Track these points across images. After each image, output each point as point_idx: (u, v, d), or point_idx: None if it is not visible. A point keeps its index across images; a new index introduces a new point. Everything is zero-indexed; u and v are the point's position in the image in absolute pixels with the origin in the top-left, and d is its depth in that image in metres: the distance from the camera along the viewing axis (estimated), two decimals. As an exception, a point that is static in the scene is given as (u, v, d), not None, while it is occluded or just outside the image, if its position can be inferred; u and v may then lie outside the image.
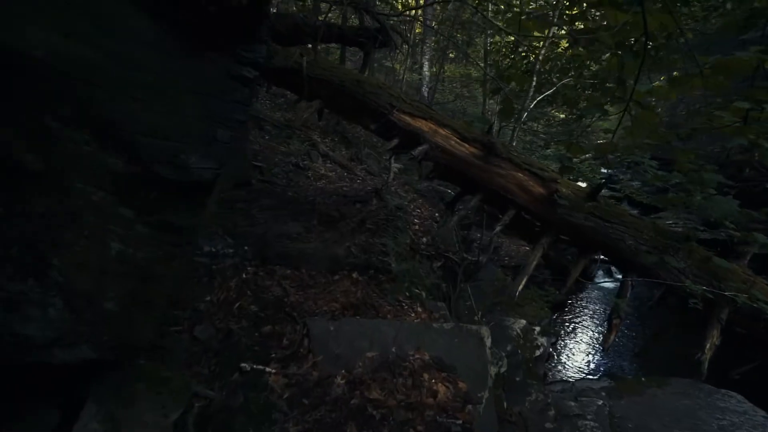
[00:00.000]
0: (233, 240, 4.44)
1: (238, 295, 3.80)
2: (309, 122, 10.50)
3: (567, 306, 9.42)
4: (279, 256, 4.37)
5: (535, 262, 4.13)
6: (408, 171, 10.15)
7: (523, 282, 4.11)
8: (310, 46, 5.44)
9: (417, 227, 6.21)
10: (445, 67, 12.63)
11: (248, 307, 3.64)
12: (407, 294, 4.07)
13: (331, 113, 12.00)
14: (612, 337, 3.99)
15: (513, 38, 6.90)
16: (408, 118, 4.48)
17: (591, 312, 9.31)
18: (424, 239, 5.86)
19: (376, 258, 4.38)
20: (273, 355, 3.07)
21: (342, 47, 9.29)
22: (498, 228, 4.22)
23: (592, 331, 8.62)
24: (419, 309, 3.90)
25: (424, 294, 4.23)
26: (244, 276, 4.11)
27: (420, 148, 4.27)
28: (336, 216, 5.26)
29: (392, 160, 7.02)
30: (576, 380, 7.16)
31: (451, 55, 13.37)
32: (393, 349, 3.11)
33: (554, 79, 6.13)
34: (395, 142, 4.47)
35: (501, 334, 6.08)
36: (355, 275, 4.19)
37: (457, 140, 4.41)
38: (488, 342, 3.31)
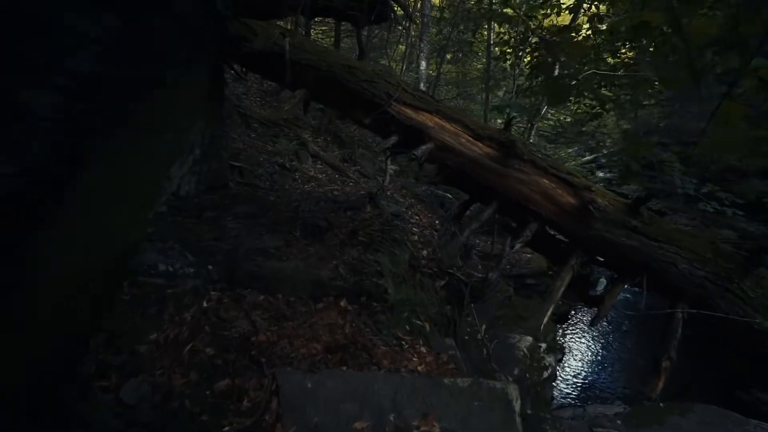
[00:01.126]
0: (195, 257, 3.53)
1: (193, 332, 2.90)
2: (300, 120, 9.60)
3: (571, 316, 8.61)
4: (250, 277, 3.47)
5: (562, 288, 3.26)
6: (405, 173, 9.25)
7: (549, 313, 3.26)
8: (291, 27, 4.59)
9: (416, 238, 5.33)
10: (443, 67, 11.76)
11: (203, 350, 2.74)
12: (407, 328, 3.20)
13: (319, 106, 11.10)
14: (660, 384, 3.14)
15: (522, 28, 6.03)
16: (409, 111, 3.59)
17: (601, 329, 8.50)
18: (425, 252, 4.97)
19: (369, 280, 3.50)
20: (226, 430, 2.17)
21: (336, 29, 8.35)
22: (518, 245, 3.36)
23: (599, 344, 7.82)
24: (423, 349, 3.03)
25: (427, 326, 3.35)
26: (204, 304, 3.20)
27: (423, 147, 3.39)
28: (323, 226, 4.36)
29: (389, 161, 6.12)
30: (587, 405, 6.36)
31: (449, 56, 12.53)
32: (391, 417, 2.23)
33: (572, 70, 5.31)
34: (393, 139, 3.58)
35: (507, 354, 5.24)
36: (343, 303, 3.30)
37: (469, 138, 3.54)
38: (517, 406, 2.43)
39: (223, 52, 4.24)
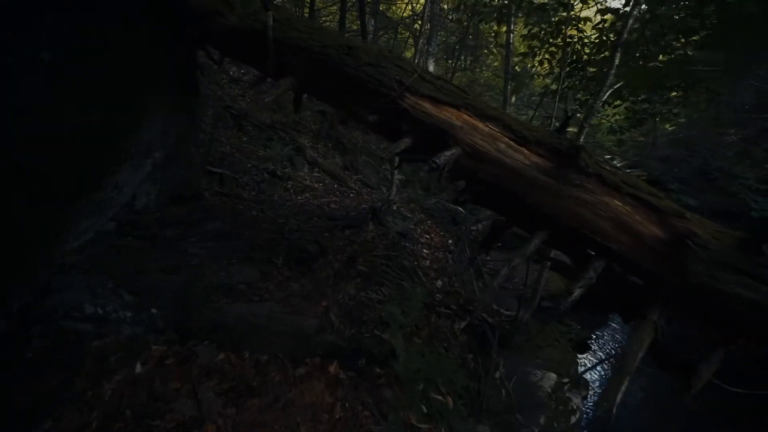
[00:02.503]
0: (134, 296, 2.52)
1: (105, 422, 1.88)
2: (299, 124, 8.62)
3: (591, 344, 7.58)
4: (208, 326, 2.45)
5: (641, 353, 2.23)
6: (411, 183, 8.24)
7: (623, 387, 2.24)
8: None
9: (428, 263, 4.31)
10: (455, 71, 10.80)
11: (111, 460, 1.72)
12: (423, 409, 2.16)
13: (320, 107, 10.12)
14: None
15: (555, 19, 5.04)
16: (428, 106, 2.60)
17: (618, 350, 7.50)
18: (439, 283, 3.94)
19: (369, 333, 2.48)
20: None
21: (341, 8, 7.32)
22: (577, 291, 2.33)
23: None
24: (448, 450, 1.99)
25: (450, 402, 2.32)
26: (138, 368, 2.19)
27: (447, 153, 2.39)
28: (313, 251, 3.35)
29: (396, 170, 5.11)
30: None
31: (460, 60, 11.57)
32: None
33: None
34: (406, 142, 2.58)
35: (529, 396, 4.25)
36: (333, 368, 2.28)
37: (510, 143, 2.52)
38: None
39: (190, 29, 3.26)
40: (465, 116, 2.67)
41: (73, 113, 2.56)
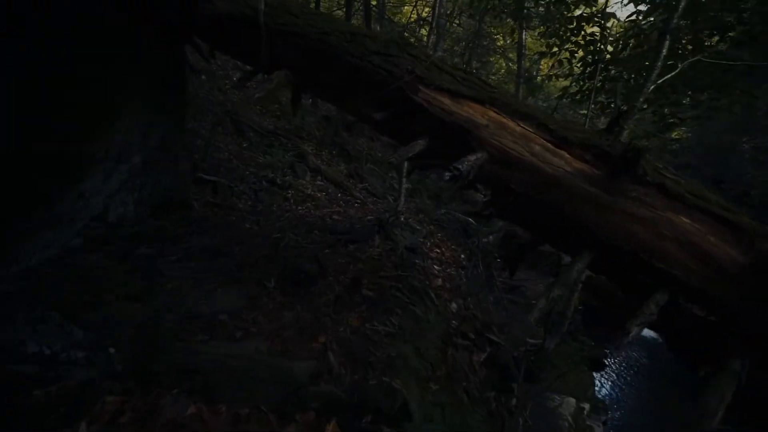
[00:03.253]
0: (88, 331, 2.02)
1: None
2: (303, 130, 8.17)
3: (607, 361, 7.01)
4: (178, 370, 1.94)
5: (721, 411, 1.70)
6: (418, 191, 7.74)
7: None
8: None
9: (440, 282, 3.79)
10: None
11: None
12: (446, 486, 1.64)
13: (324, 112, 9.67)
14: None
15: (575, 14, 4.55)
16: (446, 101, 2.12)
17: (637, 369, 6.92)
18: (454, 306, 3.43)
19: (376, 379, 1.97)
20: None
21: (347, 13, 6.88)
22: (635, 330, 1.82)
23: (644, 396, 6.27)
24: None
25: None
26: (81, 429, 1.69)
27: (471, 157, 1.90)
28: (312, 271, 2.84)
29: (404, 178, 4.62)
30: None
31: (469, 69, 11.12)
32: None
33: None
34: (420, 144, 2.10)
35: (548, 425, 3.73)
36: (330, 428, 1.76)
37: (547, 144, 2.04)
38: None
39: (174, 17, 2.79)
40: (491, 113, 2.18)
41: (26, 109, 2.09)
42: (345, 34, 2.37)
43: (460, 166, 1.96)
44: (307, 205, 4.77)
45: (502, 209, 2.28)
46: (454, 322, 3.10)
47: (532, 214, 2.18)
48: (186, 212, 3.52)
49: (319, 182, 5.75)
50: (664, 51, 3.15)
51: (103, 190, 2.75)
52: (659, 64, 3.15)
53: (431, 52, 10.16)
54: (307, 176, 5.76)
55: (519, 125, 2.12)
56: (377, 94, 2.30)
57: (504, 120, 2.14)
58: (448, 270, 4.32)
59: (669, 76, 3.27)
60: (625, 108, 2.63)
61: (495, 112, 2.16)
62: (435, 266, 4.22)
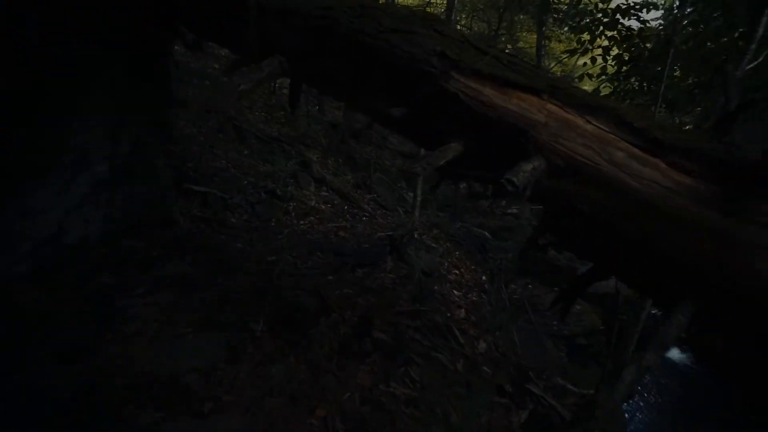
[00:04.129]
0: (-1, 407, 1.44)
1: None
2: (308, 137, 7.63)
3: (636, 391, 6.30)
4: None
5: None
6: (428, 202, 7.13)
7: None
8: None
9: (463, 314, 3.17)
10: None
11: None
12: None
13: (330, 116, 9.14)
14: None
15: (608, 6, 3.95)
16: (489, 91, 1.52)
17: (668, 397, 6.22)
18: (482, 345, 2.81)
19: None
20: None
21: None
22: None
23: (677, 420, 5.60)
24: None
25: None
26: None
27: (527, 166, 1.25)
28: (311, 307, 2.25)
29: (419, 189, 4.02)
30: None
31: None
32: None
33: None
34: (454, 149, 1.46)
35: None
36: None
37: (633, 150, 1.42)
38: None
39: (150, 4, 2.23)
40: (552, 107, 1.58)
41: None
42: (353, 9, 1.80)
43: (514, 178, 1.37)
44: (309, 219, 4.19)
45: (565, 239, 1.67)
46: (485, 368, 2.48)
47: (610, 247, 1.57)
48: (167, 230, 2.94)
49: (323, 193, 5.18)
50: (761, 30, 2.50)
51: (56, 206, 2.19)
52: (752, 47, 2.52)
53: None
54: (311, 186, 5.19)
55: (591, 123, 1.53)
56: (395, 84, 1.72)
57: (569, 116, 1.55)
58: (470, 295, 3.71)
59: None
60: (743, 102, 2.00)
61: (557, 105, 1.57)
62: (455, 291, 3.61)
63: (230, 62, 2.32)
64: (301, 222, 4.07)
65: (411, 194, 7.30)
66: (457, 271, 4.05)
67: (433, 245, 4.19)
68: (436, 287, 3.20)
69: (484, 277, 4.19)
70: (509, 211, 8.68)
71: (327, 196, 5.09)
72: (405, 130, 1.88)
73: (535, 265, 6.73)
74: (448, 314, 2.97)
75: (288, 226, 3.84)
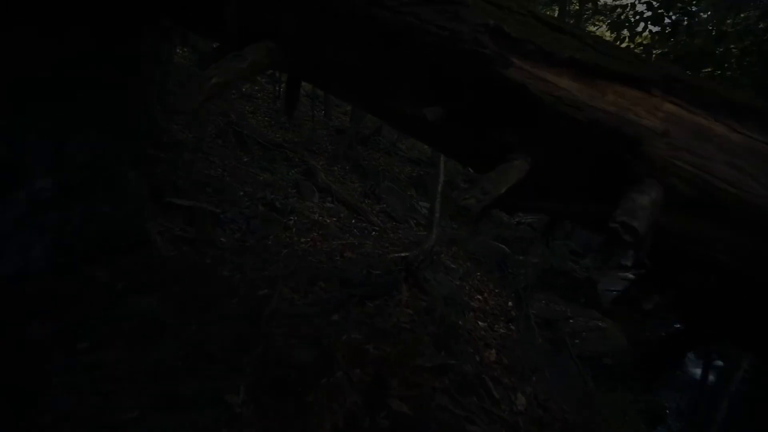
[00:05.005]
0: None
1: None
2: (314, 144, 7.12)
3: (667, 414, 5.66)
4: None
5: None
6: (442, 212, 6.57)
7: None
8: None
9: (493, 354, 2.60)
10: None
11: None
12: None
13: (337, 120, 8.62)
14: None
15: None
16: (568, 83, 0.90)
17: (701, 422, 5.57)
18: (521, 400, 2.24)
19: None
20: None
21: None
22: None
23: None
24: None
25: None
26: None
27: (641, 199, 0.64)
28: (310, 363, 1.69)
29: (438, 203, 3.46)
30: None
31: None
32: None
33: None
34: (519, 167, 0.87)
35: None
36: None
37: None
38: None
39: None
40: (669, 107, 1.02)
41: None
42: (369, -30, 1.25)
43: (634, 223, 0.81)
44: (312, 236, 3.64)
45: (690, 299, 1.10)
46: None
47: (756, 313, 1.00)
48: (140, 255, 2.41)
49: (328, 204, 4.63)
50: None
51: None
52: None
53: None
54: (314, 197, 4.65)
55: (736, 131, 0.97)
56: (429, 75, 1.17)
57: (700, 120, 0.99)
58: (497, 326, 3.13)
59: None
60: None
61: (677, 104, 1.01)
62: (479, 322, 3.04)
63: (209, 52, 1.79)
64: (303, 239, 3.52)
65: (423, 204, 6.75)
66: (480, 296, 3.48)
67: (452, 265, 3.62)
68: (460, 321, 2.64)
69: (510, 304, 3.61)
70: (524, 220, 8.13)
71: (332, 208, 4.55)
72: (443, 140, 1.32)
73: (552, 278, 6.16)
74: (477, 358, 2.41)
75: (287, 244, 3.29)
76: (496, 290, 3.76)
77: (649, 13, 3.53)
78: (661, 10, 3.51)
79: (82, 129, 1.94)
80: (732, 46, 3.45)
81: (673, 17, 3.48)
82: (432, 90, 1.21)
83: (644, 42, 3.77)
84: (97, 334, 1.70)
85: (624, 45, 3.67)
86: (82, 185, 2.04)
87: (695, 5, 3.52)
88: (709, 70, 3.55)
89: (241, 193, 4.01)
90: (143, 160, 3.06)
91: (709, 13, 3.55)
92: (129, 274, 2.21)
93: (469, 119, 1.15)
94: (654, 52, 3.61)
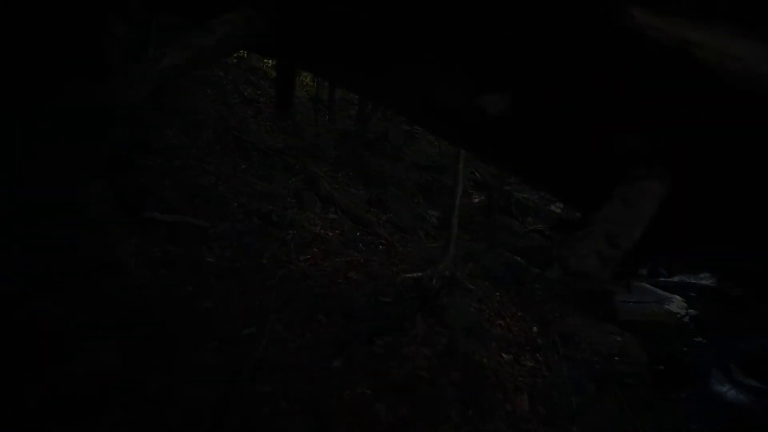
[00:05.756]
0: None
1: None
2: (318, 149, 6.70)
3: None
4: None
5: None
6: (443, 219, 6.13)
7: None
8: None
9: (526, 398, 2.14)
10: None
11: None
12: None
13: (341, 124, 8.25)
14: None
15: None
16: (731, 46, 0.43)
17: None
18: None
19: None
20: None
21: None
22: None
23: None
24: None
25: None
26: None
27: None
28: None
29: (455, 218, 3.02)
30: None
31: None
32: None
33: None
34: (651, 193, 0.41)
35: None
36: None
37: None
38: None
39: None
40: None
41: None
42: None
43: None
44: (312, 252, 3.21)
45: None
46: None
47: None
48: (107, 283, 1.98)
49: (331, 215, 4.20)
50: None
51: None
52: None
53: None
54: (316, 207, 4.22)
55: None
56: (490, 44, 0.72)
57: None
58: (523, 359, 2.68)
59: None
60: None
61: None
62: (504, 354, 2.59)
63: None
64: (302, 257, 3.09)
65: (431, 213, 6.30)
66: (501, 322, 3.02)
67: (470, 286, 3.17)
68: (485, 359, 2.19)
69: (535, 329, 3.16)
70: (534, 228, 7.68)
71: (335, 219, 4.11)
72: (509, 150, 0.85)
73: (566, 290, 5.71)
74: (509, 407, 1.95)
75: (284, 264, 2.86)
76: (519, 313, 3.30)
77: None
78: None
79: (25, 139, 1.52)
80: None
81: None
82: (493, 64, 0.75)
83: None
84: (27, 400, 1.27)
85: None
86: (29, 202, 1.62)
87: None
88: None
89: (235, 205, 3.59)
90: (117, 168, 2.66)
91: None
92: (87, 308, 1.79)
93: (555, 112, 0.71)
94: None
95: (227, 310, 2.05)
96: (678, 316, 5.97)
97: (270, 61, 7.64)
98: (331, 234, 3.71)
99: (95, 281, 1.97)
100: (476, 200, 7.97)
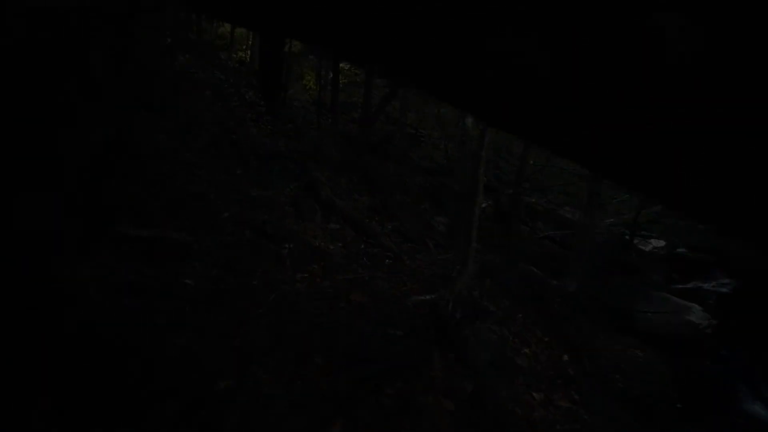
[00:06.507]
0: None
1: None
2: (320, 152, 6.31)
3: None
4: None
5: None
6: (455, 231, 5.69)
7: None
8: None
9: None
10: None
11: None
12: None
13: (335, 119, 7.90)
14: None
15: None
16: None
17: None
18: None
19: None
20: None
21: None
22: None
23: None
24: None
25: None
26: None
27: None
28: None
29: (475, 230, 2.60)
30: None
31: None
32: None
33: None
34: None
35: None
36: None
37: None
38: None
39: None
40: None
41: None
42: None
43: None
44: (311, 269, 2.79)
45: None
46: None
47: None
48: (48, 320, 1.57)
49: (333, 225, 3.79)
50: None
51: None
52: None
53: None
54: (317, 216, 3.81)
55: None
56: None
57: None
58: (555, 398, 2.25)
59: None
60: None
61: None
62: (534, 394, 2.16)
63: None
64: (299, 275, 2.67)
65: (439, 220, 5.88)
66: (527, 350, 2.59)
67: (490, 307, 2.74)
68: (517, 409, 1.76)
69: (566, 357, 2.72)
70: (545, 234, 7.26)
71: (337, 229, 3.69)
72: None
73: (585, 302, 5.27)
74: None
75: (277, 285, 2.44)
76: (545, 338, 2.86)
77: None
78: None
79: None
80: None
81: None
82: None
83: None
84: None
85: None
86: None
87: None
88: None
89: (226, 215, 3.19)
90: (93, 176, 2.27)
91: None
92: (16, 358, 1.38)
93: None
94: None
95: (202, 349, 1.64)
96: (700, 326, 5.51)
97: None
98: (332, 247, 3.30)
99: (37, 319, 1.56)
100: (483, 205, 7.56)
